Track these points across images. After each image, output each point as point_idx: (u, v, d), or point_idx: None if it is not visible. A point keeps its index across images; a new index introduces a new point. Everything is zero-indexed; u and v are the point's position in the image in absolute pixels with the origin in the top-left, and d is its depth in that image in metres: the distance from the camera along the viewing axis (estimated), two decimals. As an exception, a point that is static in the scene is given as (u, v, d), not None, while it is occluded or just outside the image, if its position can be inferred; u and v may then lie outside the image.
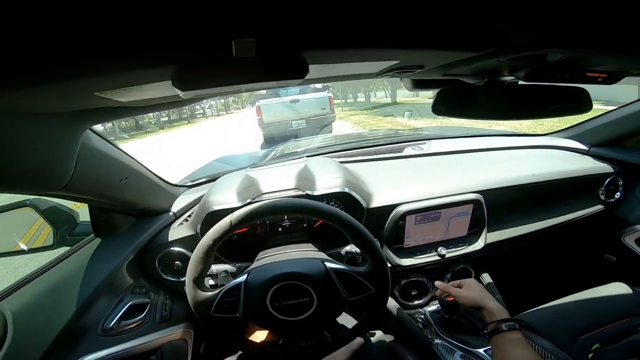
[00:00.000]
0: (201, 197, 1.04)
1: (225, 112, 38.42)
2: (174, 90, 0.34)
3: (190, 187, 1.16)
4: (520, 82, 0.64)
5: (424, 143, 1.40)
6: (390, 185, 1.06)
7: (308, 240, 0.92)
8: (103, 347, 0.74)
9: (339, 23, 0.29)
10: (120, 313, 0.80)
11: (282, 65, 0.34)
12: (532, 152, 1.37)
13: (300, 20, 0.28)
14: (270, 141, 7.36)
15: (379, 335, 1.04)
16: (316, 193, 0.91)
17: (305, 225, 1.00)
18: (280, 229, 1.00)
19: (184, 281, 0.93)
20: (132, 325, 0.81)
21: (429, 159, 1.28)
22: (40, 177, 0.55)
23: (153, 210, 0.95)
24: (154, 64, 0.32)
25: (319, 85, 9.44)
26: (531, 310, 1.06)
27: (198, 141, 11.64)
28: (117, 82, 0.35)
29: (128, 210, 0.88)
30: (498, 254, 1.11)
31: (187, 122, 27.74)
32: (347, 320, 0.96)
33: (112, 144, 0.72)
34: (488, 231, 1.08)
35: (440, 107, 0.61)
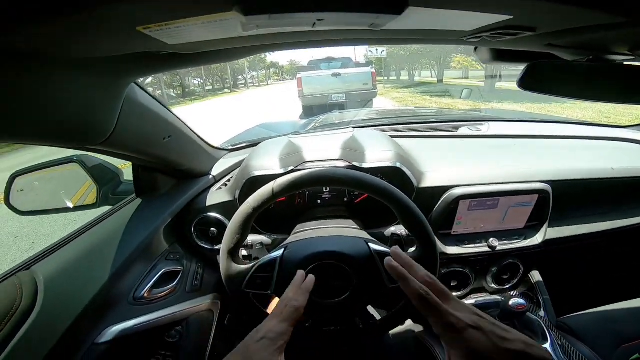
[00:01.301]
0: (241, 161, 1.01)
1: (266, 83, 38.76)
2: (227, 31, 0.28)
3: (231, 150, 1.14)
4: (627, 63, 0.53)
5: (482, 124, 1.26)
6: (444, 165, 0.96)
7: (348, 217, 0.87)
8: (132, 317, 0.70)
9: None
10: (153, 281, 0.77)
11: None
12: (610, 144, 1.19)
13: None
14: (309, 112, 7.42)
15: (408, 324, 1.00)
16: (365, 165, 0.84)
17: (346, 199, 0.95)
18: (319, 202, 0.95)
19: (218, 250, 0.90)
20: (163, 294, 0.78)
21: (488, 142, 1.15)
22: (82, 130, 0.52)
23: (194, 172, 0.93)
24: None
25: (362, 61, 9.17)
26: (577, 313, 0.98)
27: (240, 108, 11.86)
28: (165, 13, 0.30)
29: (170, 170, 0.86)
30: (554, 251, 1.00)
31: (229, 91, 28.34)
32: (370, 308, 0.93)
33: (157, 100, 0.68)
34: (549, 226, 0.96)
35: (530, 82, 0.53)
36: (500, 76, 12.95)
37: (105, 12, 0.28)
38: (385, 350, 0.83)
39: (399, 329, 0.93)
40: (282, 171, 0.84)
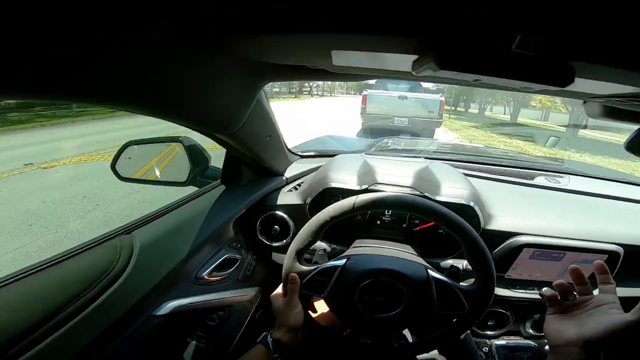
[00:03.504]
0: (313, 168, 1.07)
1: (329, 95, 39.57)
2: (399, 66, 0.32)
3: (302, 156, 1.21)
4: None
5: (562, 176, 1.19)
6: (513, 211, 0.94)
7: (405, 242, 0.89)
8: (189, 295, 0.73)
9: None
10: (215, 264, 0.81)
11: (551, 70, 0.30)
12: None
13: (588, 29, 0.25)
14: (367, 131, 7.37)
15: (432, 354, 0.97)
16: (439, 198, 0.85)
17: (405, 225, 0.97)
18: (378, 222, 0.98)
19: (275, 247, 0.98)
20: (219, 278, 0.83)
21: (564, 195, 1.09)
22: (221, 120, 0.59)
23: (271, 171, 1.00)
24: (409, 35, 0.30)
25: (432, 87, 8.92)
26: None
27: (302, 114, 12.31)
28: (365, 45, 0.35)
29: (254, 165, 0.94)
30: None
31: (294, 96, 29.45)
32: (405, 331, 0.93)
33: (268, 101, 0.76)
34: None
35: None
36: (586, 126, 11.77)
37: (324, 36, 0.34)
38: None
39: (423, 357, 0.92)
40: (357, 188, 0.88)
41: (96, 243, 0.59)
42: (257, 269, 0.98)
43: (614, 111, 0.54)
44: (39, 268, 0.49)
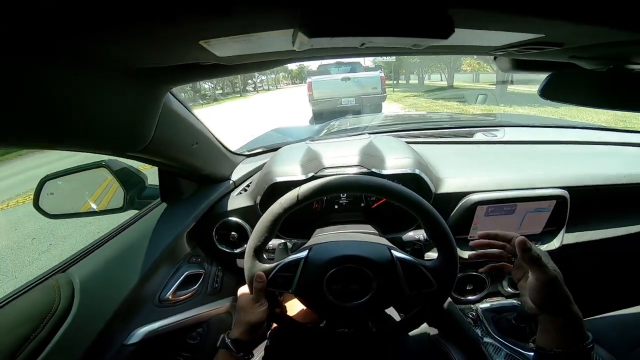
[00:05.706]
0: (260, 166, 1.03)
1: (275, 88, 38.99)
2: (280, 46, 0.30)
3: (248, 156, 1.16)
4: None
5: (497, 130, 1.27)
6: (461, 171, 0.97)
7: (365, 221, 0.88)
8: (158, 318, 0.72)
9: None
10: (177, 283, 0.79)
11: (427, 20, 0.29)
12: (627, 149, 1.18)
13: None
14: (319, 117, 7.46)
15: (423, 327, 1.00)
16: (384, 172, 0.85)
17: (363, 205, 0.96)
18: (336, 207, 0.97)
19: (238, 253, 0.94)
20: (186, 296, 0.81)
21: (504, 148, 1.16)
22: (124, 137, 0.54)
23: (215, 177, 0.95)
24: (278, 6, 0.28)
25: (371, 65, 9.17)
26: (593, 317, 0.98)
27: (250, 112, 12.00)
28: (229, 29, 0.32)
29: (193, 175, 0.89)
30: (571, 256, 1.00)
31: (239, 95, 28.60)
32: (391, 310, 0.94)
33: (187, 108, 0.71)
34: (566, 231, 0.97)
35: (551, 91, 0.54)
36: (512, 81, 12.87)
37: (177, 27, 0.30)
38: (400, 353, 0.83)
39: (414, 332, 0.94)
40: (303, 177, 0.86)
41: (27, 288, 0.55)
42: (225, 279, 0.95)
43: (520, 63, 0.57)
44: None
